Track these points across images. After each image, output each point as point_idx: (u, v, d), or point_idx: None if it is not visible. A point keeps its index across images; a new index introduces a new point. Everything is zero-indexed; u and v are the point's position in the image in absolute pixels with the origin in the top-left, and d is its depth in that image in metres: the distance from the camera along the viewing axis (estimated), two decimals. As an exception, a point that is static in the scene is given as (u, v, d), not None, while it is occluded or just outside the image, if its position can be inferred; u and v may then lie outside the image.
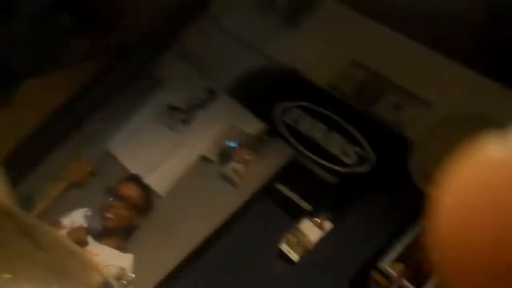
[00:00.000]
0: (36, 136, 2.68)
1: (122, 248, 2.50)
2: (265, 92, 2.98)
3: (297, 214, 2.72)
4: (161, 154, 2.87)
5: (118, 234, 2.52)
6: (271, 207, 2.78)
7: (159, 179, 2.81)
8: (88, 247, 2.42)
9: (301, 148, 2.84)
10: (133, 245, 2.56)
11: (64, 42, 2.59)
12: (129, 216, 2.49)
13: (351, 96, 2.78)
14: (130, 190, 2.51)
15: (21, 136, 2.66)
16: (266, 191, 2.81)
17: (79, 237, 2.35)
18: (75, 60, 2.80)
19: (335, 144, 2.77)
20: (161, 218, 2.70)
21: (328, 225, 2.68)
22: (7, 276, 0.64)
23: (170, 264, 2.61)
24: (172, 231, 2.69)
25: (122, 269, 2.02)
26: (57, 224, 2.55)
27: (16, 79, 2.61)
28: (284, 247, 2.62)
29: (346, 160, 2.72)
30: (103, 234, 2.46)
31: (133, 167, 2.86)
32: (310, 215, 2.70)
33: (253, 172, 2.77)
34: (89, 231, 2.41)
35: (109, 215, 2.44)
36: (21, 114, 2.68)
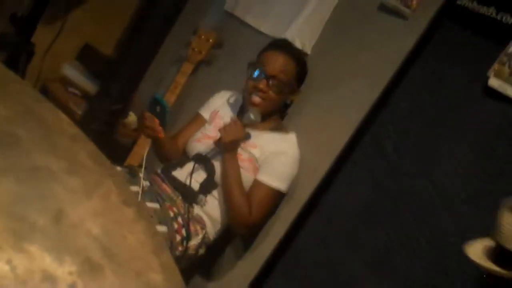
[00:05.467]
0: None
1: (281, 129, 1.98)
2: None
3: (501, 33, 1.90)
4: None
5: (273, 116, 1.98)
6: (464, 35, 1.99)
7: (300, 34, 2.14)
8: (250, 141, 1.91)
9: None
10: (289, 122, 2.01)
11: None
12: (279, 98, 1.91)
13: None
14: (279, 65, 1.86)
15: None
16: (449, 15, 2.02)
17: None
18: None
19: None
20: (314, 87, 2.05)
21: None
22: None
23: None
24: (331, 110, 2.04)
25: None
26: (198, 119, 2.08)
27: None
28: (494, 82, 1.85)
29: None
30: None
31: (264, 26, 2.22)
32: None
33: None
34: (245, 123, 1.87)
35: (256, 99, 1.87)
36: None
